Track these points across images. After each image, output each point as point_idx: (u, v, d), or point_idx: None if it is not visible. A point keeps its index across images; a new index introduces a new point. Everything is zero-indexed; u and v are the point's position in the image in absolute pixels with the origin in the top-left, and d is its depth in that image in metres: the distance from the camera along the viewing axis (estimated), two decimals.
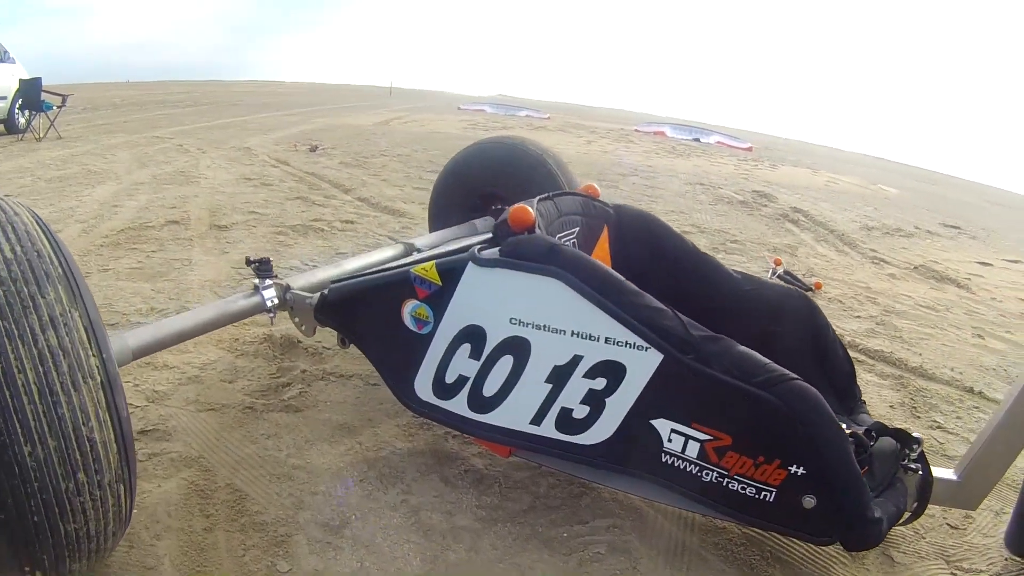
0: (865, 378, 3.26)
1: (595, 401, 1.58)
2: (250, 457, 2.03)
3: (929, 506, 1.71)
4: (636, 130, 23.57)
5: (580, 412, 1.61)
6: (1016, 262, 8.03)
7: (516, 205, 1.77)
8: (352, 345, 2.01)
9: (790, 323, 2.06)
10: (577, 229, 2.13)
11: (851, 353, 2.48)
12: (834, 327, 2.18)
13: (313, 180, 7.02)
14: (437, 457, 2.08)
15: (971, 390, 3.36)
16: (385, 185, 7.12)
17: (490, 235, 1.87)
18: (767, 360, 1.51)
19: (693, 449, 1.53)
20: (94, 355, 1.24)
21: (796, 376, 1.48)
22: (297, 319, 2.07)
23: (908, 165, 38.64)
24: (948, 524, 2.10)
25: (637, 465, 1.61)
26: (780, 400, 1.44)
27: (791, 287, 2.22)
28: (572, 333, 1.56)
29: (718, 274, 2.17)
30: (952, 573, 1.87)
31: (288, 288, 2.08)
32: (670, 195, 8.92)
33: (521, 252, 1.64)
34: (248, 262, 2.06)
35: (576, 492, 1.97)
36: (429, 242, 2.71)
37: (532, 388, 1.63)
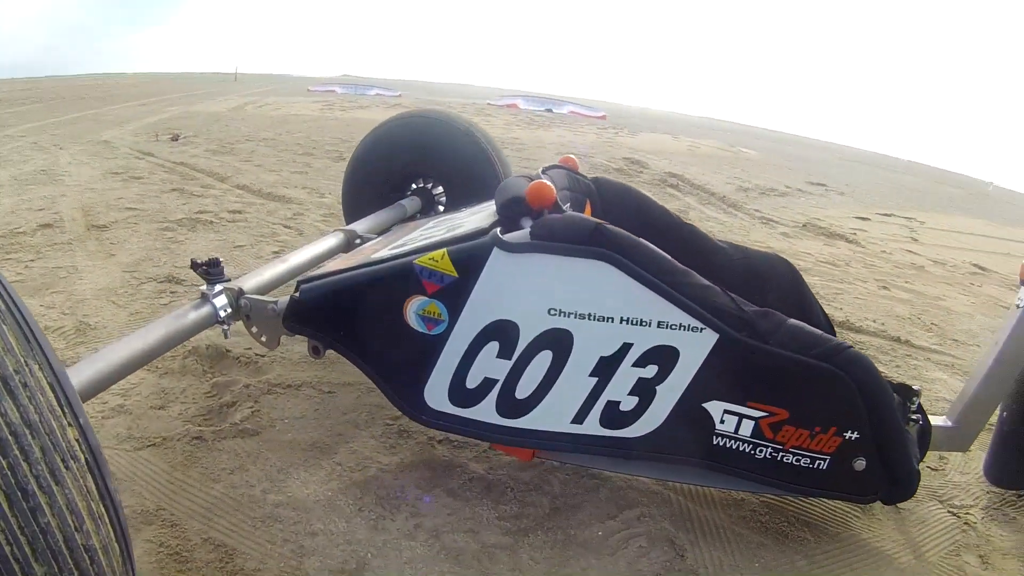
0: None
1: (645, 390, 1.57)
2: (220, 500, 1.81)
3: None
4: (489, 104, 24.54)
5: (628, 404, 1.60)
6: (889, 215, 8.91)
7: (535, 181, 1.66)
8: (328, 353, 1.82)
9: (777, 288, 2.17)
10: (568, 205, 2.07)
11: None
12: None
13: (184, 170, 6.64)
14: (432, 468, 1.98)
15: (898, 339, 3.74)
16: (261, 171, 6.86)
17: (489, 216, 1.79)
18: (819, 331, 1.59)
19: (747, 428, 1.57)
20: (70, 424, 0.94)
21: (850, 344, 1.58)
22: (256, 329, 1.86)
23: (756, 127, 41.54)
24: (928, 467, 2.33)
25: (686, 451, 1.64)
26: (842, 370, 1.53)
27: (773, 252, 2.33)
28: (622, 320, 1.53)
29: (707, 244, 2.22)
30: (948, 511, 2.12)
31: (241, 293, 1.86)
32: (532, 160, 9.18)
33: (559, 233, 1.55)
34: (194, 266, 1.82)
35: (591, 485, 1.97)
36: (367, 228, 2.58)
37: (574, 384, 1.59)
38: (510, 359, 1.60)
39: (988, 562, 1.90)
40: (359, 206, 3.07)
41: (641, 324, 1.53)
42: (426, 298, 1.62)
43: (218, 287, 1.81)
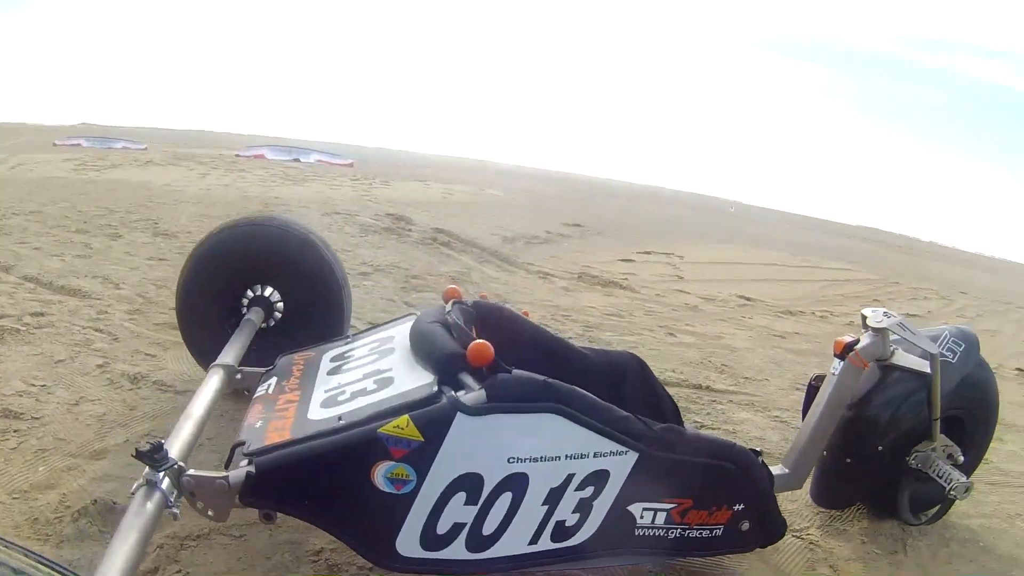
0: None
1: (585, 507, 1.92)
2: None
3: None
4: (237, 155, 24.66)
5: (572, 520, 1.91)
6: (649, 253, 9.94)
7: (474, 342, 1.89)
8: (278, 517, 1.89)
9: (632, 382, 2.59)
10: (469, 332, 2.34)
11: None
12: None
13: None
14: None
15: (699, 386, 4.28)
16: (42, 256, 6.23)
17: (431, 376, 1.95)
18: (710, 435, 2.16)
19: (661, 518, 2.00)
20: None
21: (735, 442, 2.10)
22: (202, 504, 1.79)
23: (487, 161, 43.82)
24: None
25: (616, 545, 2.00)
26: (734, 464, 2.05)
27: (624, 351, 2.74)
28: (566, 456, 1.85)
29: (573, 352, 2.59)
30: (793, 535, 2.61)
31: (182, 470, 1.85)
32: (319, 230, 9.21)
33: (514, 393, 1.83)
34: (138, 455, 1.75)
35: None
36: (235, 357, 2.62)
37: (530, 514, 1.87)
38: (476, 504, 1.82)
39: (837, 569, 2.44)
40: (200, 323, 3.07)
41: (581, 456, 1.87)
42: (393, 462, 1.76)
43: (160, 472, 1.78)
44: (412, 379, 2.00)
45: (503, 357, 2.00)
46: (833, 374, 2.50)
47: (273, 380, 2.43)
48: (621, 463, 1.92)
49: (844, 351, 2.50)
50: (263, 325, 3.10)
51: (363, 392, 2.04)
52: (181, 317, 3.23)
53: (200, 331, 3.16)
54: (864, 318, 2.63)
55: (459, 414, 1.79)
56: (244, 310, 3.16)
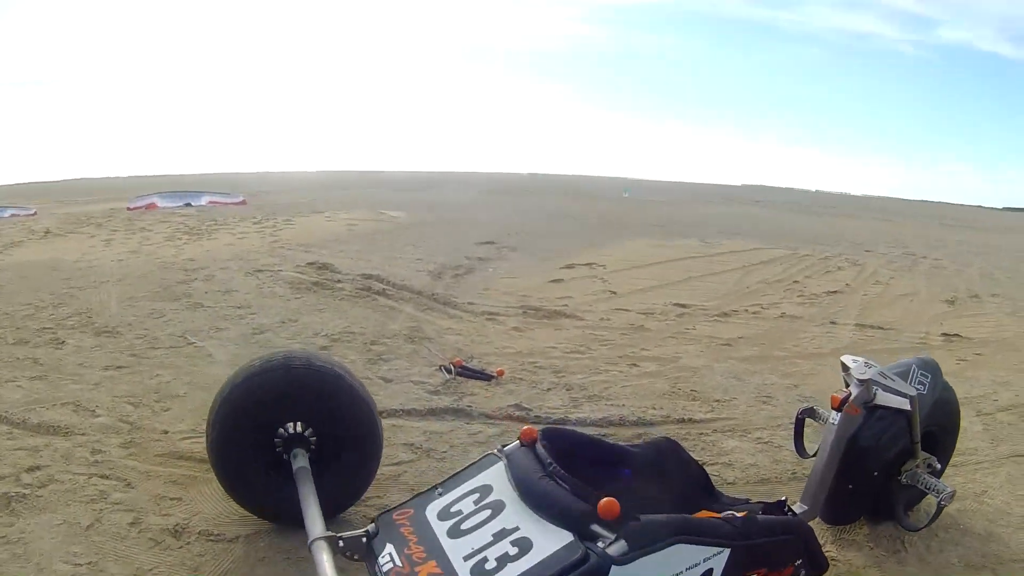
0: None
1: None
2: None
3: None
4: (129, 208, 24.30)
5: None
6: (571, 267, 10.51)
7: (604, 500, 2.21)
8: None
9: (671, 464, 3.06)
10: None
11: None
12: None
13: None
14: None
15: (682, 420, 4.76)
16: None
17: (568, 534, 2.26)
18: (776, 517, 2.63)
19: None
20: None
21: (795, 516, 2.64)
22: None
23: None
24: None
25: None
26: (790, 534, 2.53)
27: (658, 437, 3.21)
28: (687, 568, 2.27)
29: (627, 454, 2.99)
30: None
31: None
32: (245, 293, 9.39)
33: (648, 537, 2.19)
34: None
35: None
36: (322, 522, 2.76)
37: None
38: None
39: None
40: (239, 474, 3.25)
41: (696, 566, 2.29)
42: None
43: None
44: (549, 538, 2.29)
45: (582, 478, 2.41)
46: (833, 423, 3.07)
47: (390, 549, 2.58)
48: (720, 559, 2.35)
49: (840, 405, 3.07)
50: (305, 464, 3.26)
51: (509, 558, 2.31)
52: (219, 468, 3.35)
53: (240, 477, 3.32)
54: (845, 367, 3.23)
55: (613, 567, 2.14)
56: (281, 450, 3.32)
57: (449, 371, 5.69)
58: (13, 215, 24.86)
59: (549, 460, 2.56)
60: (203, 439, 4.30)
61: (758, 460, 4.22)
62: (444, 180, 72.32)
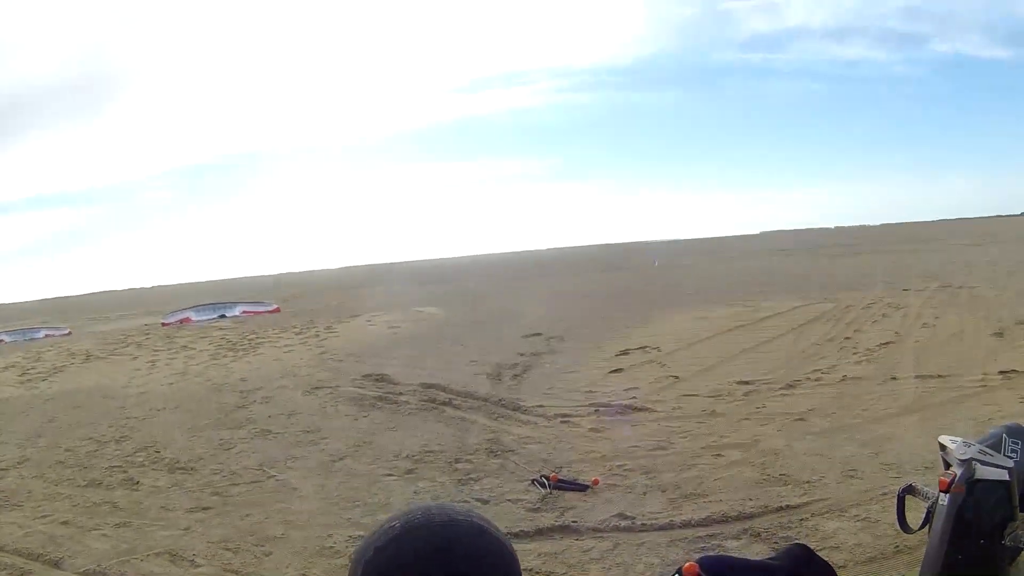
0: None
1: None
2: None
3: None
4: (164, 324, 25.40)
5: None
6: (626, 353, 10.91)
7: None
8: None
9: (807, 568, 3.43)
10: None
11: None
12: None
13: None
14: None
15: (779, 508, 5.06)
16: (77, 533, 6.22)
17: None
18: None
19: None
20: None
21: None
22: None
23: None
24: None
25: None
26: None
27: (792, 546, 3.58)
28: None
29: (772, 568, 3.40)
30: None
31: None
32: (310, 415, 9.71)
33: None
34: None
35: None
36: None
37: None
38: None
39: None
40: None
41: None
42: None
43: None
44: None
45: None
46: (942, 504, 3.40)
47: None
48: None
49: (948, 487, 3.45)
50: None
51: None
52: None
53: None
54: (944, 447, 3.62)
55: None
56: None
57: (544, 485, 5.96)
58: (47, 335, 25.80)
59: None
60: None
61: (861, 539, 4.50)
62: (458, 266, 73.25)
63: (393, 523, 3.27)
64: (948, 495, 3.38)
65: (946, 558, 3.43)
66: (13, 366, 18.23)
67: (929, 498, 3.55)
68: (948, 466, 3.65)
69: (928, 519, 3.54)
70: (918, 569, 3.49)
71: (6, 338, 26.13)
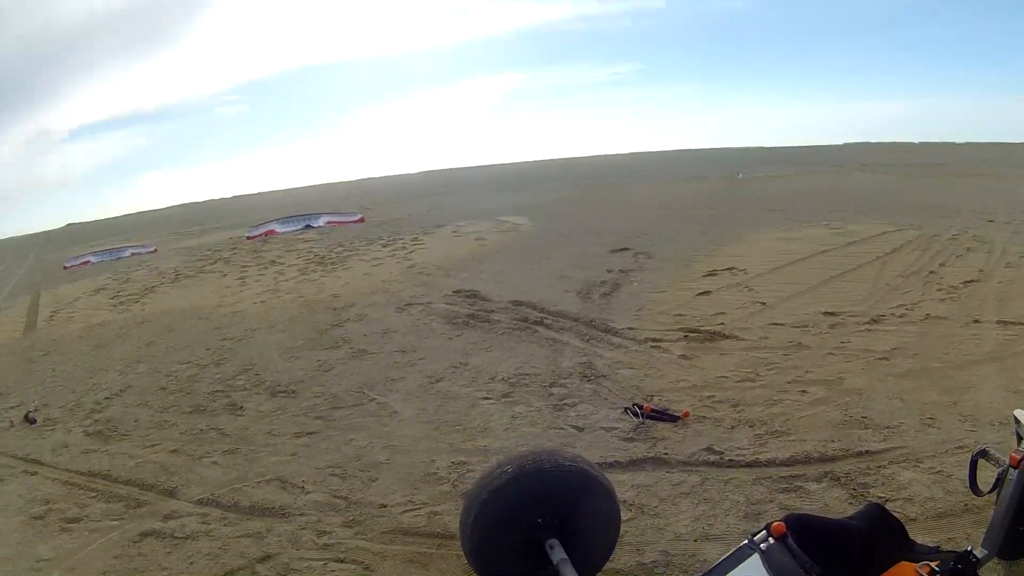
0: None
1: None
2: None
3: None
4: (248, 237, 25.88)
5: None
6: (713, 274, 11.10)
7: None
8: None
9: (881, 526, 3.57)
10: None
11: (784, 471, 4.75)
12: None
13: (104, 487, 6.22)
14: None
15: (860, 453, 5.31)
16: (189, 462, 6.44)
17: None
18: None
19: None
20: None
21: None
22: None
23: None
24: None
25: None
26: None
27: (869, 506, 3.75)
28: None
29: (851, 527, 3.38)
30: None
31: None
32: (405, 334, 10.12)
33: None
34: None
35: None
36: None
37: None
38: None
39: None
40: (500, 569, 3.75)
41: None
42: None
43: None
44: None
45: (823, 562, 2.97)
46: (1011, 479, 3.56)
47: None
48: None
49: (1019, 463, 3.64)
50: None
51: None
52: (481, 567, 3.83)
53: (500, 571, 3.78)
54: (1019, 422, 3.85)
55: None
56: (536, 542, 3.68)
57: (636, 414, 6.32)
58: (134, 254, 26.47)
59: (806, 559, 3.02)
60: (422, 511, 5.13)
61: (933, 493, 4.72)
62: (540, 172, 72.47)
63: (506, 468, 3.71)
64: (1018, 471, 3.55)
65: (1010, 528, 3.63)
66: (103, 288, 18.80)
67: (1000, 465, 3.73)
68: (1021, 440, 3.90)
69: (998, 484, 3.73)
70: (984, 530, 3.71)
71: (93, 259, 26.73)
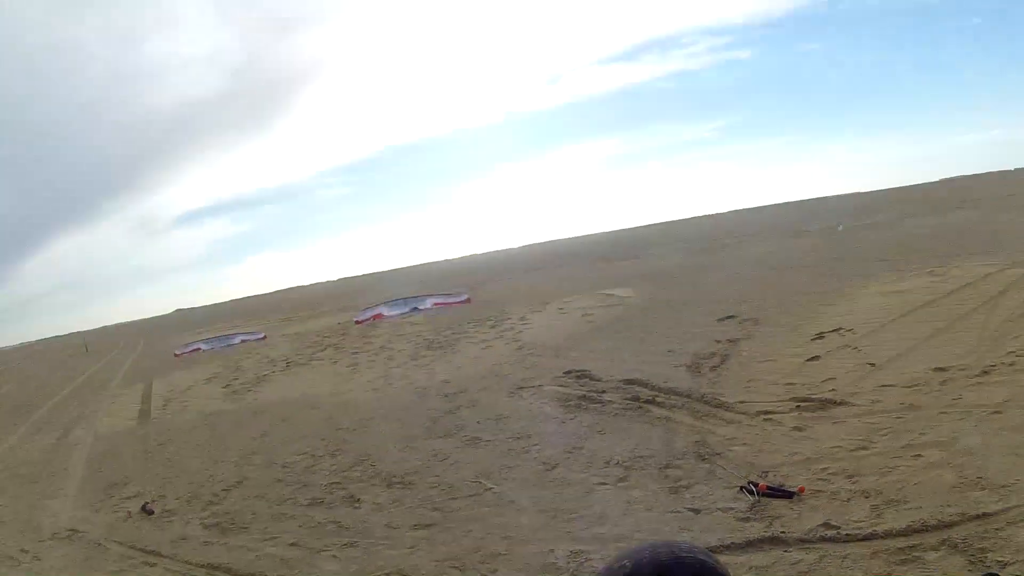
0: None
1: None
2: None
3: None
4: (357, 321, 26.51)
5: None
6: (821, 337, 11.06)
7: None
8: None
9: None
10: None
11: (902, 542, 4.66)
12: None
13: None
14: None
15: (977, 516, 5.36)
16: (308, 555, 6.70)
17: None
18: None
19: None
20: None
21: None
22: None
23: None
24: None
25: None
26: None
27: None
28: None
29: None
30: None
31: None
32: (518, 419, 10.21)
33: None
34: None
35: None
36: None
37: None
38: None
39: None
40: None
41: None
42: None
43: None
44: None
45: None
46: None
47: None
48: None
49: None
50: None
51: None
52: None
53: None
54: None
55: None
56: None
57: (752, 492, 6.42)
58: (243, 341, 27.48)
59: None
60: None
61: None
62: (638, 239, 72.27)
63: (624, 562, 4.06)
64: None
65: None
66: (215, 377, 19.50)
67: None
68: None
69: None
70: None
71: (203, 346, 28.00)
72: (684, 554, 4.09)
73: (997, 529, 5.18)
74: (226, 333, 30.66)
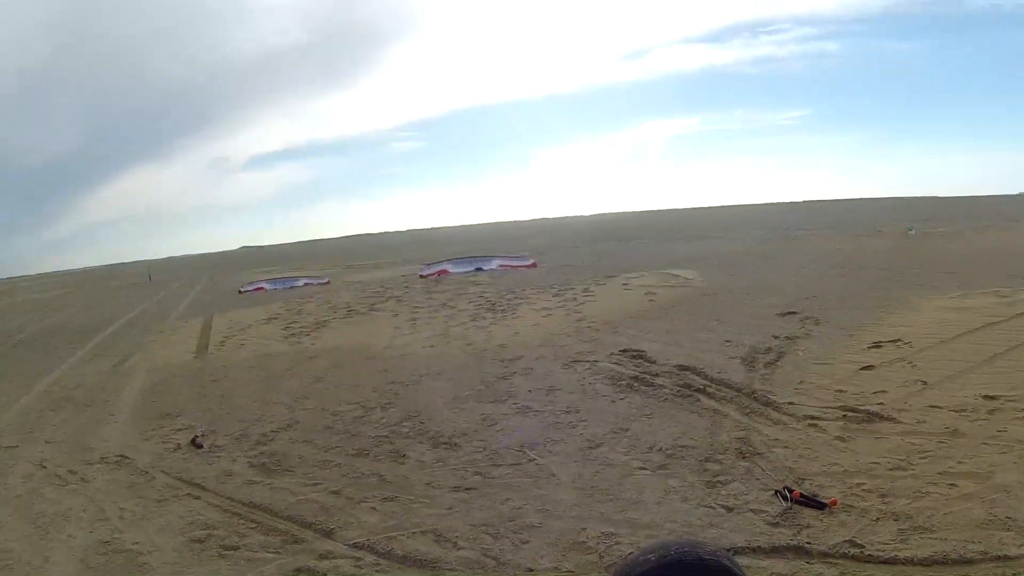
0: None
1: None
2: None
3: None
4: (421, 275, 26.90)
5: None
6: (878, 346, 11.01)
7: None
8: None
9: None
10: None
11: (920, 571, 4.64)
12: None
13: (264, 520, 6.64)
14: None
15: (999, 557, 5.47)
16: (348, 505, 6.86)
17: None
18: None
19: None
20: None
21: None
22: None
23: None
24: None
25: None
26: None
27: None
28: None
29: None
30: None
31: None
32: (569, 392, 10.32)
33: None
34: None
35: None
36: None
37: None
38: None
39: None
40: None
41: None
42: None
43: None
44: None
45: None
46: None
47: None
48: None
49: None
50: None
51: None
52: None
53: None
54: None
55: None
56: None
57: (786, 498, 6.56)
58: (307, 284, 28.13)
59: None
60: None
61: None
62: (713, 219, 70.97)
63: (649, 556, 4.33)
64: None
65: None
66: (276, 317, 19.77)
67: None
68: None
69: None
70: None
71: (267, 286, 28.41)
72: (708, 557, 4.36)
73: (1015, 574, 5.22)
74: (291, 275, 30.92)
